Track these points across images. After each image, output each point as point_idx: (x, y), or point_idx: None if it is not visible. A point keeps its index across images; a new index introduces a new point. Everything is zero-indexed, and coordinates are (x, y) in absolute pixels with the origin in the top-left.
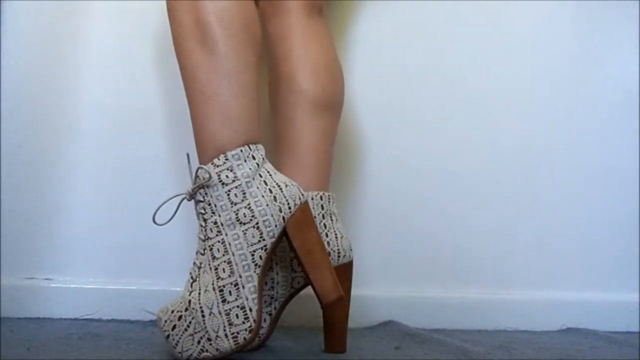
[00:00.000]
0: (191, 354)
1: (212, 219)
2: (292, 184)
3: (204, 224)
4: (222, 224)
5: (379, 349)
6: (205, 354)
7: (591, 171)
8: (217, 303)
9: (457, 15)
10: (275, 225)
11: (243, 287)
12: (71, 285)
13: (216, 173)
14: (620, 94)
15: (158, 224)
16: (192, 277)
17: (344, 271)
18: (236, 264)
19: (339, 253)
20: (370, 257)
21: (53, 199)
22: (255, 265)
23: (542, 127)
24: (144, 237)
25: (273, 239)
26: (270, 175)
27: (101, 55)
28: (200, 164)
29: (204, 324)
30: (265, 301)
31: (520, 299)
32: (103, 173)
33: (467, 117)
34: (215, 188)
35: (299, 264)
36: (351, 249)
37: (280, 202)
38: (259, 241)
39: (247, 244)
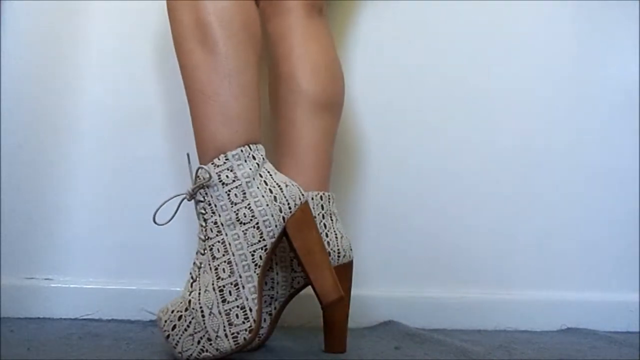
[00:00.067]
0: (191, 354)
1: (212, 219)
2: (293, 184)
3: (204, 224)
4: (222, 224)
5: (379, 349)
6: (205, 354)
7: (591, 171)
8: (217, 303)
9: (457, 15)
10: (276, 226)
11: (243, 287)
12: (71, 285)
13: (216, 173)
14: (620, 94)
15: (158, 224)
16: (192, 277)
17: (344, 271)
18: (236, 264)
19: (339, 253)
20: (370, 257)
21: (53, 199)
22: (255, 265)
23: (542, 127)
24: (144, 237)
25: (273, 239)
26: (271, 175)
27: (101, 55)
28: (201, 164)
29: (204, 324)
30: (265, 301)
31: (520, 299)
32: (103, 173)
33: (467, 117)
34: (215, 188)
35: (299, 264)
36: (351, 249)
37: (280, 202)
38: (259, 241)
39: (247, 244)
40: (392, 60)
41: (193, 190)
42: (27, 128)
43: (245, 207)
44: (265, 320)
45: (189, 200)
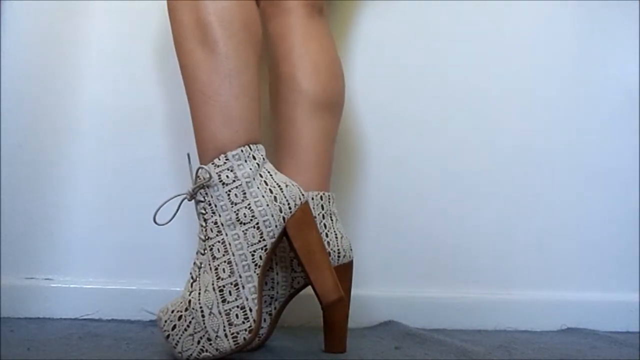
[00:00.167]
0: (191, 354)
1: (213, 219)
2: (293, 184)
3: (204, 224)
4: (222, 224)
5: (379, 349)
6: (205, 354)
7: (591, 171)
8: (217, 303)
9: (457, 15)
10: (276, 226)
11: (243, 287)
12: (71, 285)
13: (216, 173)
14: (620, 94)
15: (158, 224)
16: (192, 277)
17: (344, 271)
18: (236, 264)
19: (339, 253)
20: (370, 257)
21: (53, 199)
22: (256, 265)
23: (542, 127)
24: (144, 237)
25: (273, 239)
26: (271, 175)
27: (101, 55)
28: (201, 164)
29: (204, 323)
30: (265, 301)
31: (520, 299)
32: (103, 173)
33: (468, 117)
34: (215, 188)
35: (299, 264)
36: (351, 249)
37: (280, 202)
38: (259, 241)
39: (247, 244)
40: (393, 60)
41: (193, 190)
42: (27, 128)
43: (246, 207)
44: (265, 320)
45: (189, 200)
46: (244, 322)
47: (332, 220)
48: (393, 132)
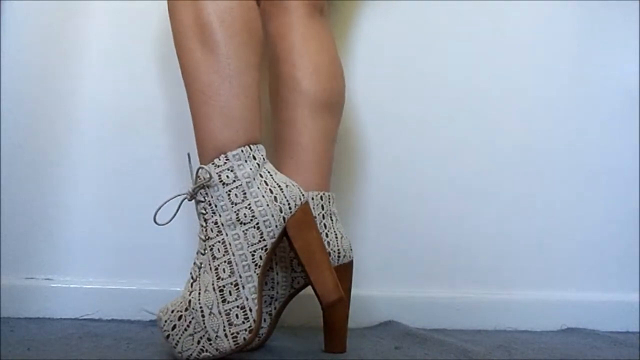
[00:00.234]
0: (191, 354)
1: (213, 219)
2: (293, 185)
3: (204, 224)
4: (222, 224)
5: (379, 349)
6: (205, 354)
7: (591, 171)
8: (217, 303)
9: (457, 15)
10: (276, 226)
11: (243, 287)
12: (71, 285)
13: (217, 173)
14: (620, 94)
15: (159, 224)
16: (192, 277)
17: (344, 271)
18: (236, 264)
19: (339, 253)
20: (370, 257)
21: (53, 199)
22: (256, 265)
23: (542, 127)
24: (144, 237)
25: (273, 239)
26: (271, 175)
27: (101, 55)
28: (201, 164)
29: (204, 323)
30: (265, 301)
31: (520, 299)
32: (103, 173)
33: (468, 117)
34: (215, 188)
35: (299, 264)
36: (351, 249)
37: (280, 203)
38: (259, 241)
39: (248, 244)
40: (393, 60)
41: (194, 191)
42: (27, 128)
43: (246, 207)
44: (265, 320)
45: (189, 200)
46: (244, 322)
47: (332, 220)
48: (393, 132)
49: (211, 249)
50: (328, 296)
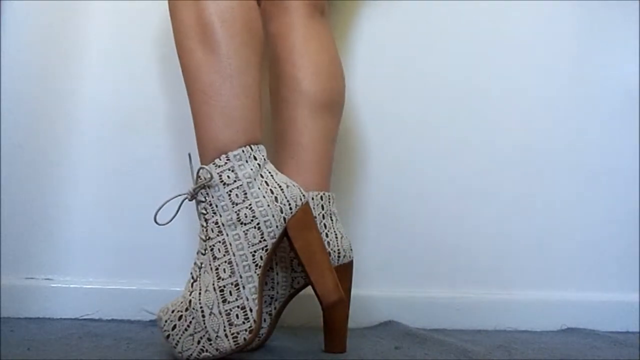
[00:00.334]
0: (191, 354)
1: (213, 219)
2: (294, 185)
3: (205, 224)
4: (223, 224)
5: (379, 349)
6: (205, 354)
7: (591, 171)
8: (218, 303)
9: (457, 15)
10: (276, 226)
11: (243, 287)
12: (71, 285)
13: (217, 173)
14: (620, 94)
15: (159, 224)
16: (192, 277)
17: (344, 271)
18: (237, 264)
19: (339, 253)
20: (370, 257)
21: (53, 199)
22: (256, 265)
23: (542, 127)
24: (144, 237)
25: (274, 240)
26: (272, 175)
27: (101, 55)
28: (202, 164)
29: (204, 324)
30: (265, 301)
31: (520, 299)
32: (103, 173)
33: (468, 117)
34: (216, 188)
35: (300, 265)
36: (351, 249)
37: (281, 203)
38: (260, 242)
39: (248, 244)
40: (393, 60)
41: (194, 191)
42: (27, 128)
43: (247, 208)
44: (265, 320)
45: (190, 200)
46: (244, 323)
47: (332, 220)
48: (393, 132)
49: (212, 249)
50: (328, 296)
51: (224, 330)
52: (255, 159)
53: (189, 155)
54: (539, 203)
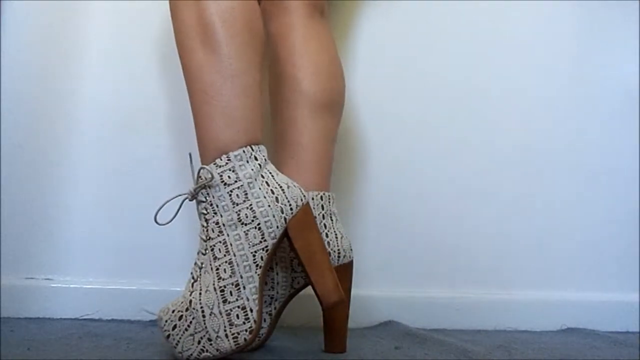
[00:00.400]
0: (191, 354)
1: (214, 219)
2: (294, 185)
3: (205, 224)
4: (223, 225)
5: (379, 349)
6: (205, 354)
7: (591, 171)
8: (218, 303)
9: (457, 15)
10: (277, 227)
11: (244, 287)
12: (71, 285)
13: (218, 173)
14: (620, 94)
15: (159, 224)
16: (193, 277)
17: (344, 271)
18: (237, 265)
19: (339, 253)
20: (370, 257)
21: (53, 199)
22: (257, 266)
23: (542, 127)
24: (144, 237)
25: (274, 240)
26: (273, 176)
27: (101, 55)
28: (203, 164)
29: (205, 324)
30: (266, 301)
31: (520, 299)
32: (103, 173)
33: (468, 117)
34: (217, 188)
35: (300, 265)
36: (351, 249)
37: (282, 203)
38: (260, 242)
39: (249, 244)
40: (393, 60)
41: (195, 191)
42: (27, 128)
43: (247, 208)
44: (265, 320)
45: (190, 200)
46: (244, 323)
47: (332, 220)
48: (393, 132)
49: (212, 249)
50: (328, 297)
51: (225, 331)
52: (256, 159)
53: (190, 155)
54: (539, 203)
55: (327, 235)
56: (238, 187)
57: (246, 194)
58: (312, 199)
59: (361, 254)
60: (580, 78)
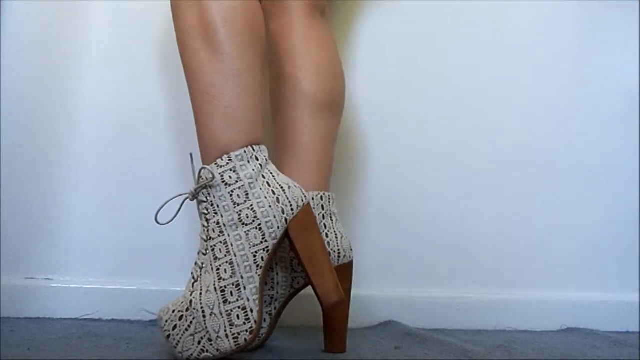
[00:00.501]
0: (191, 354)
1: (215, 220)
2: (295, 186)
3: (206, 224)
4: (224, 225)
5: (379, 349)
6: (205, 354)
7: (591, 171)
8: (219, 303)
9: (457, 15)
10: (278, 227)
11: (244, 288)
12: (71, 285)
13: (219, 173)
14: (620, 94)
15: (160, 224)
16: (193, 277)
17: (344, 271)
18: (238, 265)
19: (339, 253)
20: (370, 257)
21: (53, 199)
22: (257, 266)
23: (542, 127)
24: (144, 237)
25: (275, 241)
26: (274, 176)
27: (101, 55)
28: (204, 164)
29: (205, 324)
30: (266, 301)
31: (520, 299)
32: (103, 173)
33: (468, 117)
34: (218, 188)
35: (300, 265)
36: (351, 249)
37: (283, 204)
38: (261, 242)
39: (249, 245)
40: (393, 60)
41: (196, 191)
42: (27, 128)
43: (248, 208)
44: (265, 320)
45: (191, 200)
46: (245, 323)
47: (332, 220)
48: (393, 132)
49: (213, 250)
50: (329, 298)
51: (225, 331)
52: (257, 159)
53: (191, 155)
54: (539, 203)
55: (327, 235)
56: (239, 187)
57: (247, 194)
58: (312, 199)
59: (361, 254)
60: (580, 78)
